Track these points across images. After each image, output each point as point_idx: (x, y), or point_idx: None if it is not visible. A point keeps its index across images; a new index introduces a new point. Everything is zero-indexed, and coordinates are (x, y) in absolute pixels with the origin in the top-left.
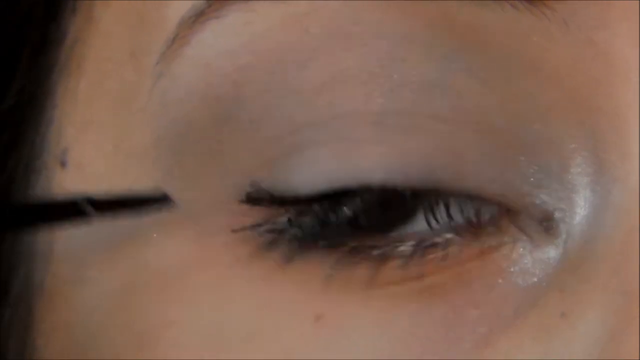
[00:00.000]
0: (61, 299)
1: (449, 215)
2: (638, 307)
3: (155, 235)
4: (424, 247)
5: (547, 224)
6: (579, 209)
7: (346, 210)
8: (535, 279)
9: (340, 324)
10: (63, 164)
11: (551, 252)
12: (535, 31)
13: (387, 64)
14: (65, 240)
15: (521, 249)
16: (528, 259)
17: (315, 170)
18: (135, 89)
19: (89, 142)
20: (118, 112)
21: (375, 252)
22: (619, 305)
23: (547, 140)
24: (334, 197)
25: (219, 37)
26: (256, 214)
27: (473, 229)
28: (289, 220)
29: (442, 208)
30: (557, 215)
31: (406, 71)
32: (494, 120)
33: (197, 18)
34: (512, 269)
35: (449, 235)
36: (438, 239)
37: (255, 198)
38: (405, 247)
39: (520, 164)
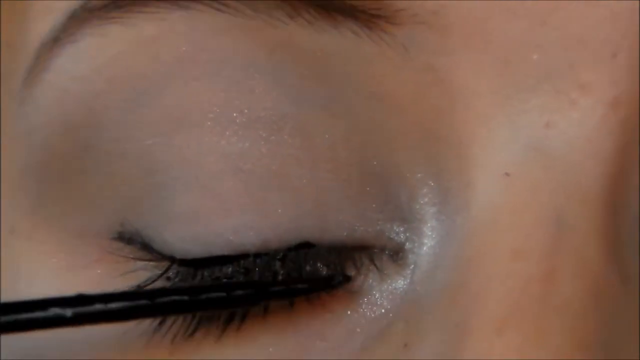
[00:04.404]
0: None
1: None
2: (467, 339)
3: (24, 264)
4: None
5: (397, 256)
6: (427, 239)
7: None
8: (383, 310)
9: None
10: None
11: (399, 283)
12: (376, 57)
13: (237, 95)
14: None
15: (371, 280)
16: (377, 291)
17: (183, 228)
18: (5, 116)
19: None
20: None
21: None
22: (450, 337)
23: (395, 170)
24: (208, 262)
25: (74, 62)
26: (129, 254)
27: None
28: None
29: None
30: (407, 246)
31: (256, 103)
32: (342, 155)
33: (54, 42)
34: (360, 301)
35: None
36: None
37: (127, 238)
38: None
39: (370, 197)
